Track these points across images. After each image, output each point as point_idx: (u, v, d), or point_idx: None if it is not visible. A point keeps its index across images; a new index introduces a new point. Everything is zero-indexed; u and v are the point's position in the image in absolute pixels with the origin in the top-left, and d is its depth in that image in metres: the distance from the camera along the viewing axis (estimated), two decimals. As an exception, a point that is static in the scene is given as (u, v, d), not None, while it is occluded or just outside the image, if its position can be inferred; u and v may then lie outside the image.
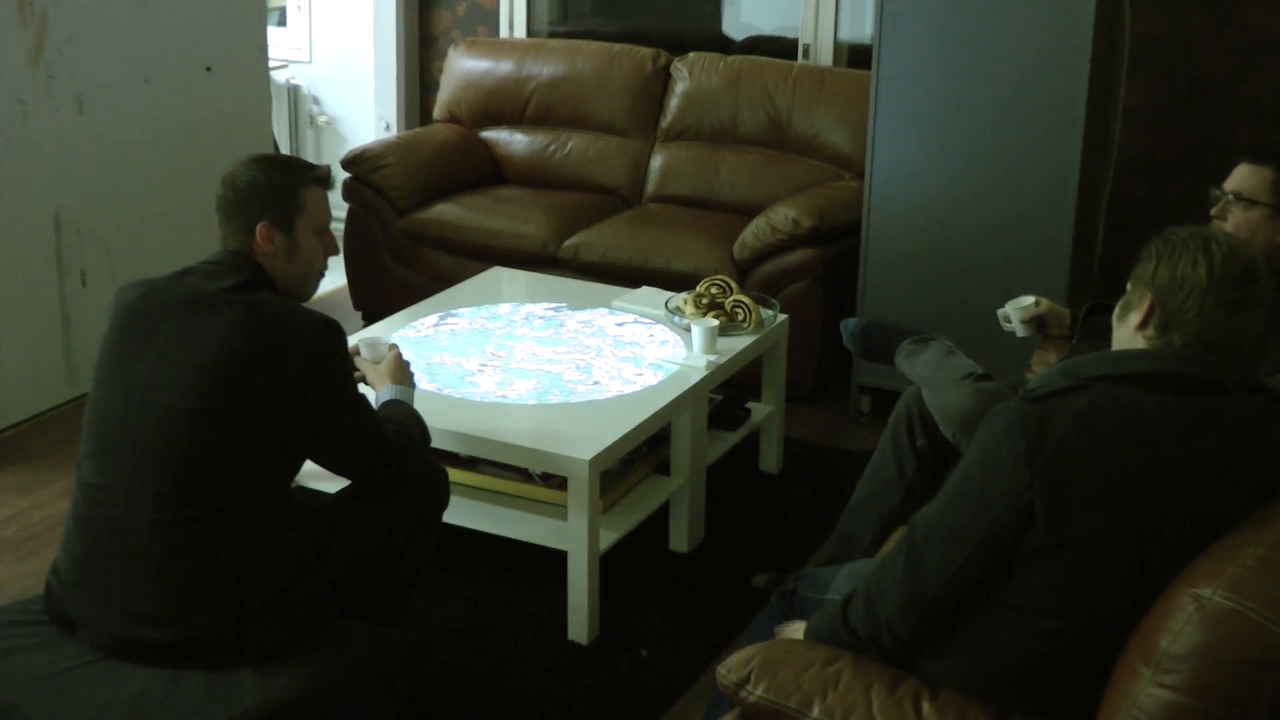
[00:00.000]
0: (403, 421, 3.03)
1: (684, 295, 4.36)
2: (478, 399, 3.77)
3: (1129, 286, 2.36)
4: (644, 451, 3.94)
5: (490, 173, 6.13)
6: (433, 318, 4.34)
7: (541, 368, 3.96)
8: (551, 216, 5.58)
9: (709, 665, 3.46)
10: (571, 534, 3.51)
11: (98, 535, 2.67)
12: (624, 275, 5.12)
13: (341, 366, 2.78)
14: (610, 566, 3.69)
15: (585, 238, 5.40)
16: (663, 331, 4.25)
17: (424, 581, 3.34)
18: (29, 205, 4.74)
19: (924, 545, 2.29)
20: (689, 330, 4.11)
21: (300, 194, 2.84)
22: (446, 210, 5.70)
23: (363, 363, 3.28)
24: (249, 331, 2.63)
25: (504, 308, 4.44)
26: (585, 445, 3.46)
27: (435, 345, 4.11)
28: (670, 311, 4.29)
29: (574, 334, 4.23)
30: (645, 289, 4.62)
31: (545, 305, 4.47)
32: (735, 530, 4.19)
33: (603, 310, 4.43)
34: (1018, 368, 3.70)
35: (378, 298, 5.77)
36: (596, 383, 3.87)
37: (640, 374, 3.93)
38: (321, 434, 2.74)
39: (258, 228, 2.78)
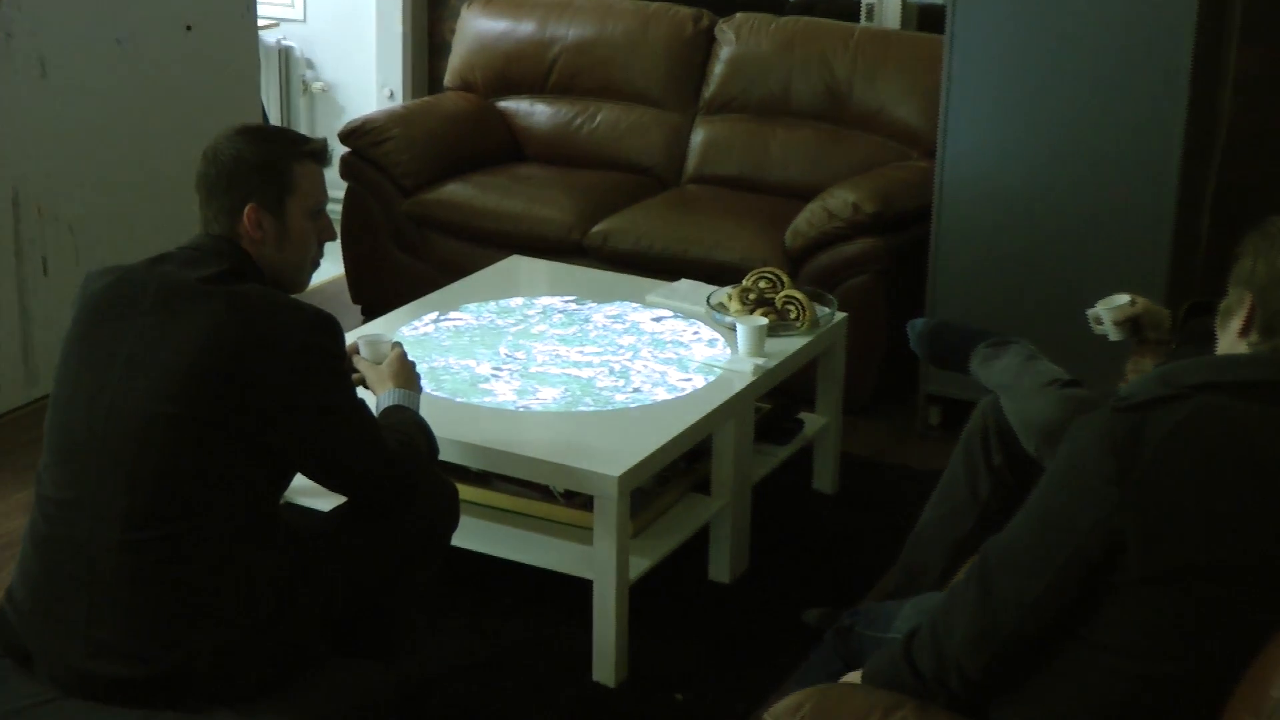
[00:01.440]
0: (407, 431, 3.04)
1: (728, 290, 4.36)
2: (491, 405, 3.79)
3: (1230, 288, 2.35)
4: (681, 467, 3.95)
5: (508, 148, 6.15)
6: (435, 313, 4.36)
7: (568, 371, 3.97)
8: (577, 199, 5.60)
9: (753, 713, 3.45)
10: (598, 561, 3.51)
11: (59, 557, 2.67)
12: (660, 266, 5.13)
13: (338, 367, 2.80)
14: (641, 598, 3.69)
15: (615, 223, 5.42)
16: (704, 330, 4.27)
17: (428, 613, 3.35)
18: (-16, 182, 4.77)
19: (998, 574, 2.28)
20: (733, 330, 4.11)
21: (292, 171, 2.86)
22: (458, 191, 5.72)
23: (362, 363, 3.29)
24: (233, 327, 2.64)
25: (516, 301, 4.46)
26: (614, 459, 3.47)
27: (437, 345, 4.12)
28: (712, 308, 4.30)
29: (604, 331, 4.24)
30: (684, 282, 4.63)
31: (564, 299, 4.49)
32: (784, 558, 4.20)
33: (634, 305, 4.44)
34: (1110, 376, 3.69)
35: (379, 290, 5.79)
36: (637, 390, 3.88)
37: (689, 379, 3.94)
38: (314, 444, 2.75)
39: (244, 209, 2.80)
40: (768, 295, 4.27)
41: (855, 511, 4.48)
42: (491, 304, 4.42)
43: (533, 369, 3.97)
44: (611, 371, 3.97)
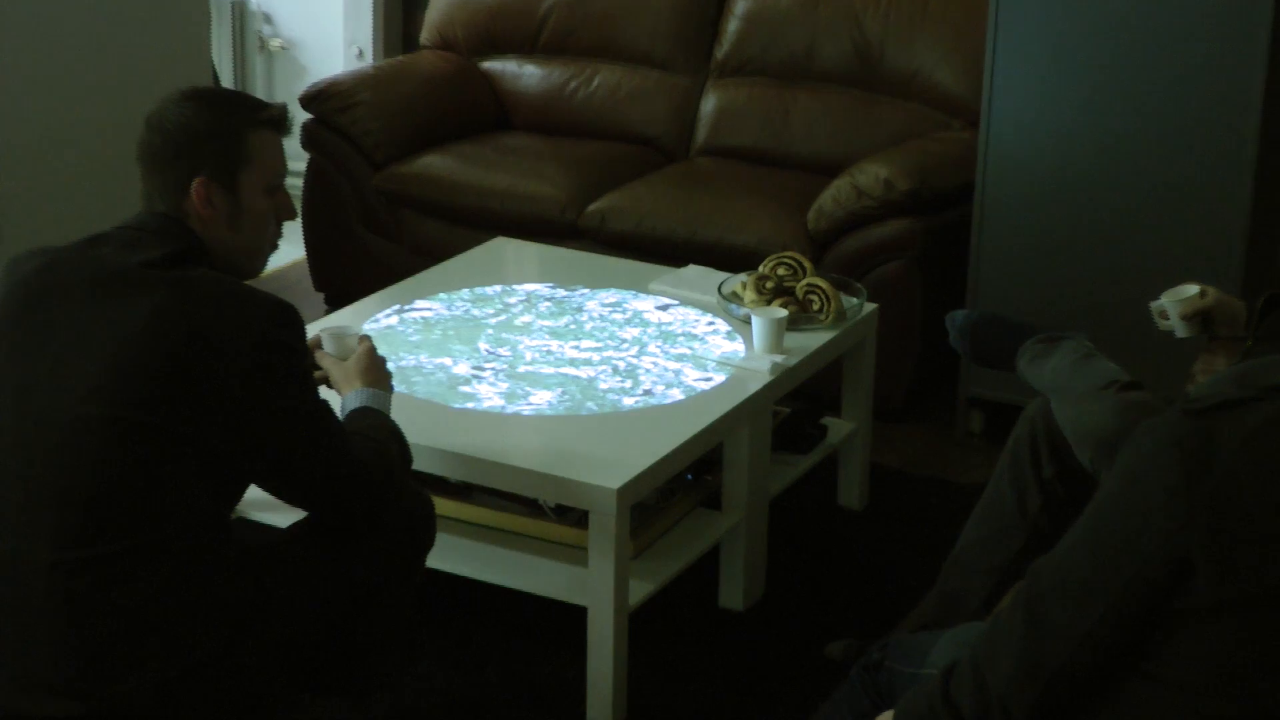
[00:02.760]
0: (377, 436, 3.04)
1: (742, 277, 4.37)
2: (473, 408, 3.79)
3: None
4: (688, 480, 3.96)
5: (492, 115, 6.17)
6: (404, 304, 4.36)
7: (564, 371, 3.97)
8: (572, 173, 5.61)
9: (769, 758, 3.47)
10: (593, 585, 3.51)
11: (-19, 579, 2.68)
12: (665, 250, 5.15)
13: (298, 363, 2.79)
14: (643, 627, 3.70)
15: (614, 201, 5.43)
16: (716, 323, 4.27)
17: (402, 644, 3.35)
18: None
19: (1048, 600, 2.28)
20: (748, 322, 4.12)
21: (247, 141, 2.86)
22: (435, 163, 5.74)
23: (325, 359, 3.29)
24: (179, 318, 2.64)
25: (496, 288, 4.47)
26: (611, 470, 3.47)
27: (403, 340, 4.11)
28: (724, 298, 4.31)
29: (601, 323, 4.25)
30: (692, 268, 4.64)
31: (551, 286, 4.50)
32: (805, 583, 4.21)
33: (635, 294, 4.46)
34: (1176, 377, 3.70)
35: (345, 276, 5.82)
36: (648, 392, 3.88)
37: (709, 378, 3.95)
38: (270, 451, 2.75)
39: (192, 184, 2.80)
40: (787, 284, 4.28)
41: (886, 530, 4.49)
42: (465, 292, 4.43)
43: (521, 368, 3.97)
44: (615, 370, 3.97)
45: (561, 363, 4.00)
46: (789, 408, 4.37)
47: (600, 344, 4.10)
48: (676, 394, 3.85)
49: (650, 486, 3.62)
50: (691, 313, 4.31)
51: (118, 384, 2.61)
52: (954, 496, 4.50)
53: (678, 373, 3.95)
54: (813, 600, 4.14)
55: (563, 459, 3.55)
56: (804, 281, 4.26)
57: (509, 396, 3.82)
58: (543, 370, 3.96)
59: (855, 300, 4.35)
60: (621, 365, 3.99)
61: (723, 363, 4.01)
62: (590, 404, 3.80)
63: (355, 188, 5.80)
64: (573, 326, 4.21)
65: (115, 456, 2.61)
